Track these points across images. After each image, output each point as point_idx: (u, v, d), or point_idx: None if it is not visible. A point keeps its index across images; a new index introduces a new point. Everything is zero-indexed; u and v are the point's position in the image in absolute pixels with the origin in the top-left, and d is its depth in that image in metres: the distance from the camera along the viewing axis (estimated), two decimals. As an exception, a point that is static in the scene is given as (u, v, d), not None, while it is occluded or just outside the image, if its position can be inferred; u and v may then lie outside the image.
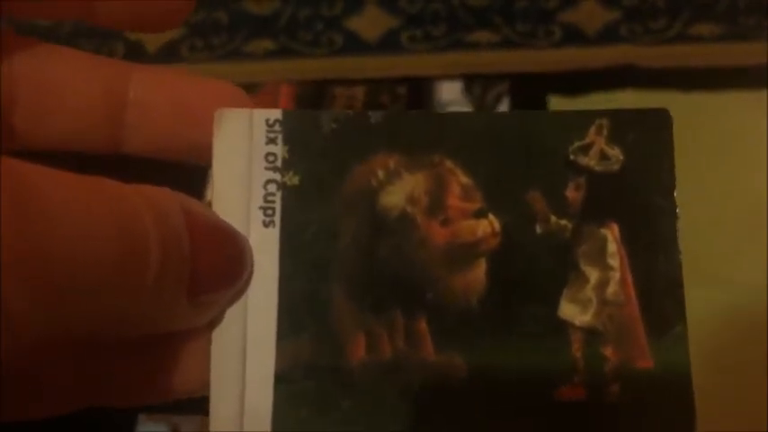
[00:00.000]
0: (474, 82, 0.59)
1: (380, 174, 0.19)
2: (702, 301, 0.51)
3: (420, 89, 0.59)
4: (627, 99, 0.53)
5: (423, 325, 0.19)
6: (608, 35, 0.59)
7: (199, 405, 0.49)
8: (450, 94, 0.59)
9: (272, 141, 0.19)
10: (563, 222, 0.19)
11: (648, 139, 0.19)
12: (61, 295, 0.13)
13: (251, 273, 0.18)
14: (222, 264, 0.17)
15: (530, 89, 0.58)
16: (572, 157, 0.19)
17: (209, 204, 0.18)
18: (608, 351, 0.19)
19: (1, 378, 0.13)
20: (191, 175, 0.19)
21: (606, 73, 0.57)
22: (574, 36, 0.59)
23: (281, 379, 0.18)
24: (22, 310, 0.12)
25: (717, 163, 0.55)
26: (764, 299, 0.51)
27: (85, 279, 0.13)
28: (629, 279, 0.19)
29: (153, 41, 0.61)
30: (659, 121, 0.19)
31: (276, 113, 0.19)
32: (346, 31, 0.62)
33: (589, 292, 0.19)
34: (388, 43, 0.63)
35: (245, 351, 0.18)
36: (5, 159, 0.13)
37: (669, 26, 0.57)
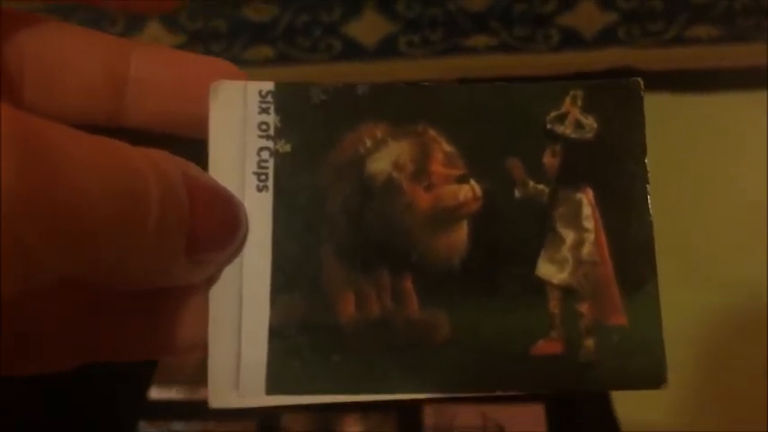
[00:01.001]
0: (472, 86, 0.59)
1: (368, 142, 0.20)
2: (702, 301, 0.51)
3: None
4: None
5: (408, 284, 0.20)
6: (606, 38, 0.59)
7: (198, 411, 0.50)
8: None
9: (264, 111, 0.20)
10: (540, 187, 0.20)
11: (621, 108, 0.20)
12: (68, 238, 0.14)
13: (246, 234, 0.19)
14: (219, 224, 0.18)
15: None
16: (549, 125, 0.20)
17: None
18: (583, 308, 0.20)
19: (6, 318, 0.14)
20: (190, 149, 0.20)
21: (604, 76, 0.57)
22: (572, 39, 0.60)
23: (275, 335, 0.19)
24: (35, 246, 0.13)
25: (717, 163, 0.56)
26: (764, 299, 0.52)
27: (90, 225, 0.14)
28: (603, 240, 0.20)
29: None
30: (631, 92, 0.20)
31: (269, 85, 0.20)
32: (345, 37, 0.63)
33: (565, 252, 0.20)
34: (387, 48, 0.63)
35: (240, 309, 0.19)
36: (21, 113, 0.14)
37: (667, 29, 0.58)
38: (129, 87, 0.20)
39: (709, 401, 0.50)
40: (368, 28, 0.63)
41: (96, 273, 0.15)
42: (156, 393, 0.50)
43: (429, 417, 0.47)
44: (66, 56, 0.19)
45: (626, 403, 0.47)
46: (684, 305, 0.50)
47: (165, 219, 0.16)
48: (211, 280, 0.19)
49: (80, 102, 0.20)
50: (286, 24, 0.62)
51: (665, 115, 0.53)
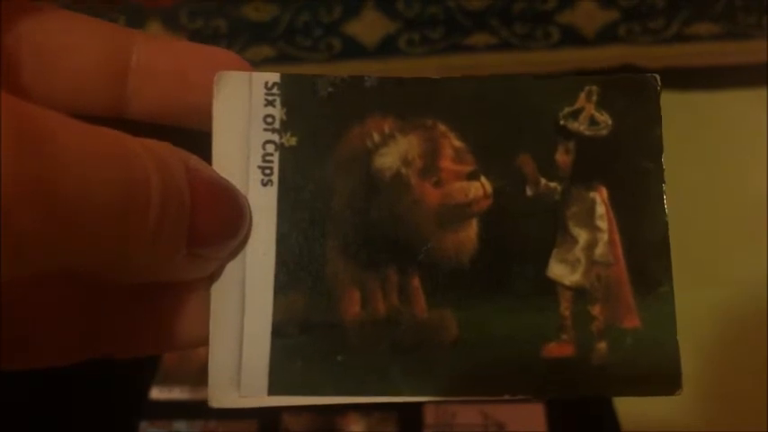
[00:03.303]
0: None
1: (375, 136, 0.19)
2: (702, 300, 0.51)
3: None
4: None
5: (416, 282, 0.19)
6: (606, 36, 0.59)
7: (200, 410, 0.49)
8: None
9: (270, 104, 0.19)
10: (553, 185, 0.20)
11: (637, 104, 0.20)
12: (67, 226, 0.14)
13: (249, 229, 0.19)
14: (221, 218, 0.18)
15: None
16: (562, 121, 0.20)
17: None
18: (596, 310, 0.19)
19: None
20: (192, 141, 0.19)
21: (605, 73, 0.57)
22: (572, 37, 0.59)
23: (277, 333, 0.19)
24: (30, 233, 0.13)
25: (717, 162, 0.55)
26: (764, 298, 0.51)
27: (88, 214, 0.14)
28: (617, 240, 0.19)
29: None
30: (647, 87, 0.20)
31: (275, 77, 0.19)
32: (344, 36, 0.62)
33: (578, 252, 0.19)
34: (387, 47, 0.63)
35: (243, 306, 0.19)
36: (18, 101, 0.13)
37: (667, 26, 0.57)
38: (131, 77, 0.19)
39: (710, 401, 0.50)
40: (368, 27, 0.62)
41: (94, 263, 0.15)
42: (157, 393, 0.50)
43: (429, 415, 0.47)
44: (66, 43, 0.19)
45: (626, 402, 0.47)
46: (686, 305, 0.50)
47: (165, 210, 0.16)
48: (213, 275, 0.19)
49: (80, 90, 0.19)
50: (286, 24, 0.62)
51: (664, 113, 0.53)
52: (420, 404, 0.47)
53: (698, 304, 0.51)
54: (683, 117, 0.53)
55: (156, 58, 0.20)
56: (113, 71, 0.19)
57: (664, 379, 0.19)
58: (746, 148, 0.55)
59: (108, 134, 0.15)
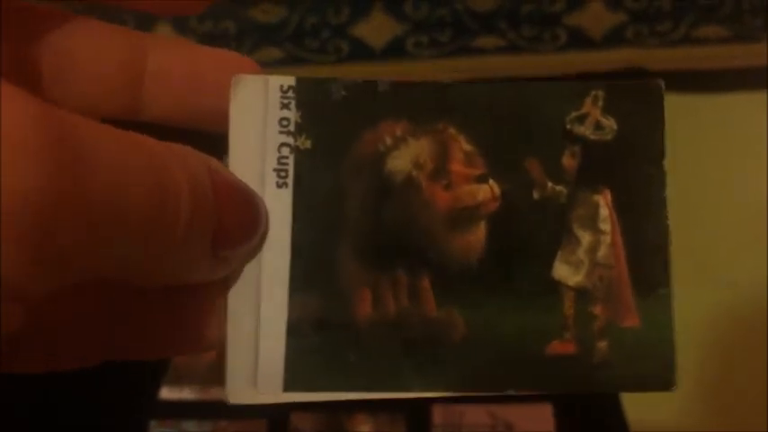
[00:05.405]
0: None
1: (388, 139, 0.20)
2: (703, 301, 0.51)
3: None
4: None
5: (426, 283, 0.20)
6: (614, 38, 0.59)
7: (209, 410, 0.49)
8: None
9: (285, 107, 0.20)
10: (559, 188, 0.20)
11: (641, 109, 0.20)
12: (105, 235, 0.14)
13: (266, 230, 0.19)
14: (241, 220, 0.18)
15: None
16: (569, 126, 0.20)
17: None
18: (597, 309, 0.20)
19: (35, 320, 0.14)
20: (209, 142, 0.20)
21: (613, 76, 0.57)
22: (580, 40, 0.59)
23: (292, 333, 0.19)
24: (68, 246, 0.13)
25: (718, 163, 0.55)
26: (765, 299, 0.52)
27: (126, 224, 0.14)
28: (620, 242, 0.20)
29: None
30: (652, 93, 0.20)
31: (290, 80, 0.20)
32: (352, 38, 0.63)
33: (581, 254, 0.20)
34: (395, 50, 0.63)
35: (259, 306, 0.19)
36: (53, 109, 0.13)
37: (675, 28, 0.57)
38: (146, 80, 0.20)
39: (710, 401, 0.50)
40: (376, 29, 0.62)
41: (128, 270, 0.16)
42: (167, 393, 0.50)
43: (438, 416, 0.47)
44: (83, 49, 0.19)
45: (634, 403, 0.48)
46: (686, 306, 0.50)
47: (194, 217, 0.16)
48: (230, 277, 0.19)
49: (97, 95, 0.20)
50: (294, 26, 0.62)
51: (671, 115, 0.53)
52: (428, 405, 0.48)
53: (699, 305, 0.51)
54: (688, 120, 0.53)
55: (171, 62, 0.20)
56: (130, 75, 0.20)
57: (660, 376, 0.20)
58: (748, 151, 0.55)
59: (137, 140, 0.15)
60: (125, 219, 0.14)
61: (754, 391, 0.50)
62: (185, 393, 0.50)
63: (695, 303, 0.51)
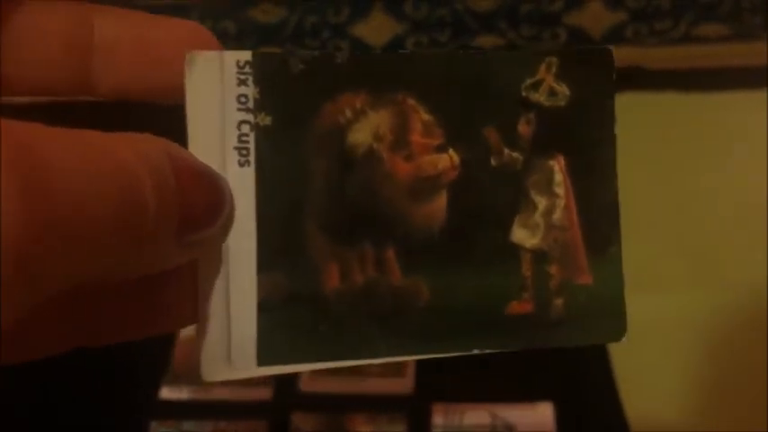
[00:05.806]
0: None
1: (348, 112, 0.20)
2: (703, 302, 0.53)
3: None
4: (633, 101, 0.52)
5: (390, 253, 0.20)
6: (613, 37, 0.58)
7: (209, 410, 0.49)
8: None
9: (243, 83, 0.19)
10: (515, 155, 0.21)
11: (592, 76, 0.21)
12: (74, 248, 0.14)
13: (232, 211, 0.19)
14: (204, 204, 0.18)
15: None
16: (524, 93, 0.21)
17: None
18: (553, 269, 0.21)
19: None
20: (167, 116, 0.19)
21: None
22: (579, 39, 0.58)
23: (263, 309, 0.20)
24: (40, 266, 0.13)
25: (717, 162, 0.56)
26: (764, 299, 0.53)
27: (92, 231, 0.14)
28: (573, 205, 0.21)
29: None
30: (602, 60, 0.21)
31: (246, 55, 0.19)
32: (352, 38, 0.60)
33: (538, 218, 0.21)
34: (394, 49, 0.61)
35: (228, 285, 0.19)
36: (10, 123, 0.13)
37: (674, 26, 0.57)
38: (95, 55, 0.19)
39: (710, 401, 0.52)
40: (375, 29, 0.60)
41: (100, 272, 0.15)
42: (167, 393, 0.50)
43: (438, 416, 0.48)
44: (23, 27, 0.18)
45: (635, 403, 0.49)
46: (687, 306, 0.52)
47: (159, 207, 0.16)
48: (199, 259, 0.19)
49: (44, 73, 0.19)
50: (294, 25, 0.59)
51: (670, 114, 0.53)
52: (428, 405, 0.48)
53: (699, 305, 0.52)
54: (685, 117, 0.53)
55: (119, 34, 0.19)
56: (75, 51, 0.19)
57: (611, 329, 0.21)
58: (748, 150, 0.56)
59: (95, 141, 0.15)
60: (92, 226, 0.14)
61: (754, 391, 0.51)
62: (185, 393, 0.50)
63: (695, 303, 0.53)
